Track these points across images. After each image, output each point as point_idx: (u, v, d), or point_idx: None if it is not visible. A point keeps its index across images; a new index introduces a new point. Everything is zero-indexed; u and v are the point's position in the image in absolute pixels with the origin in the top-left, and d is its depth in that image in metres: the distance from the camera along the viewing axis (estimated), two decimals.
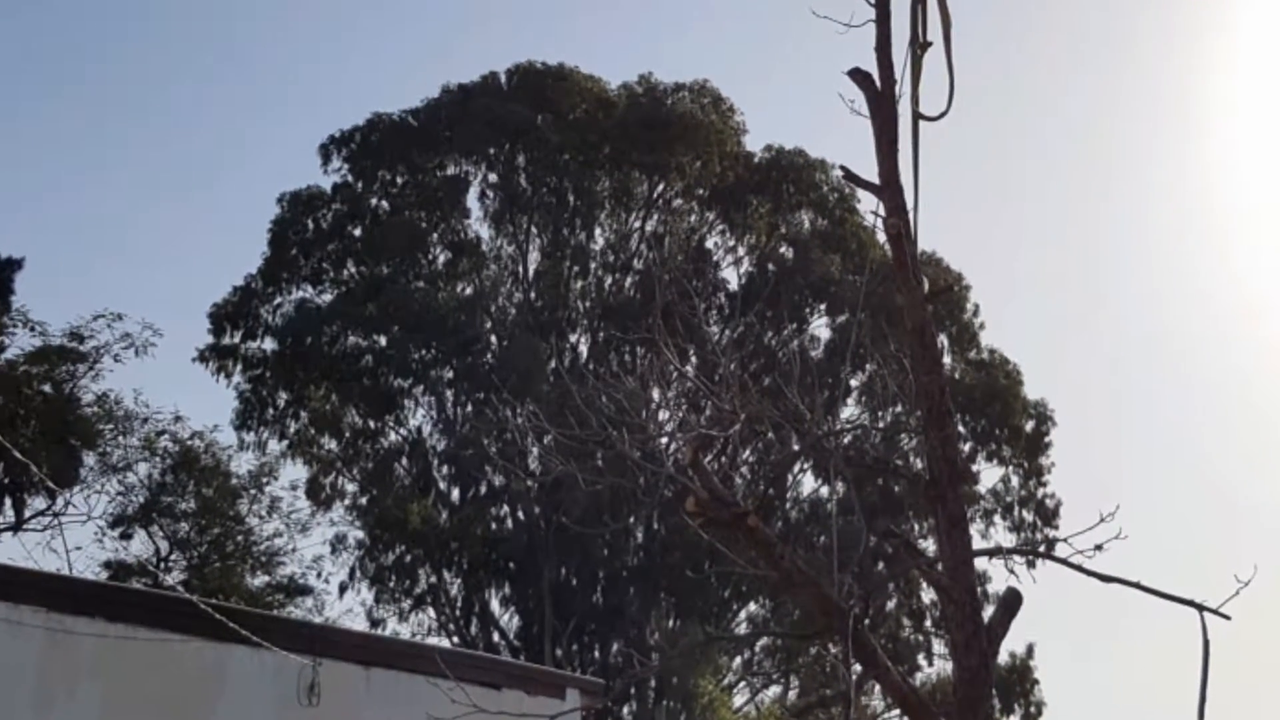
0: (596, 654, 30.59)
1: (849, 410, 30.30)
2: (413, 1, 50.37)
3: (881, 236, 6.98)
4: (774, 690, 32.19)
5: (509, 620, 31.55)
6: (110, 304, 39.78)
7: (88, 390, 25.70)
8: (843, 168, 6.98)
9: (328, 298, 32.16)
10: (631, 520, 29.89)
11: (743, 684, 31.67)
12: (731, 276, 33.33)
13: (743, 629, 30.98)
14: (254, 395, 31.23)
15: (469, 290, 32.55)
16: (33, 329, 24.98)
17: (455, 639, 30.68)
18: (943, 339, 30.18)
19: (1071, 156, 50.94)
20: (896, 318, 6.70)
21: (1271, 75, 52.79)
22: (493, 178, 33.04)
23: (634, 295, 31.87)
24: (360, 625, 29.04)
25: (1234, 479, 46.21)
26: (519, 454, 24.50)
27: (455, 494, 31.76)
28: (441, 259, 32.83)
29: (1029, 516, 32.41)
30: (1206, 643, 5.89)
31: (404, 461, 31.88)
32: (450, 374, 31.70)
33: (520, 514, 31.22)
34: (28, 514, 24.81)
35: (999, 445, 32.35)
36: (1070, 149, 51.38)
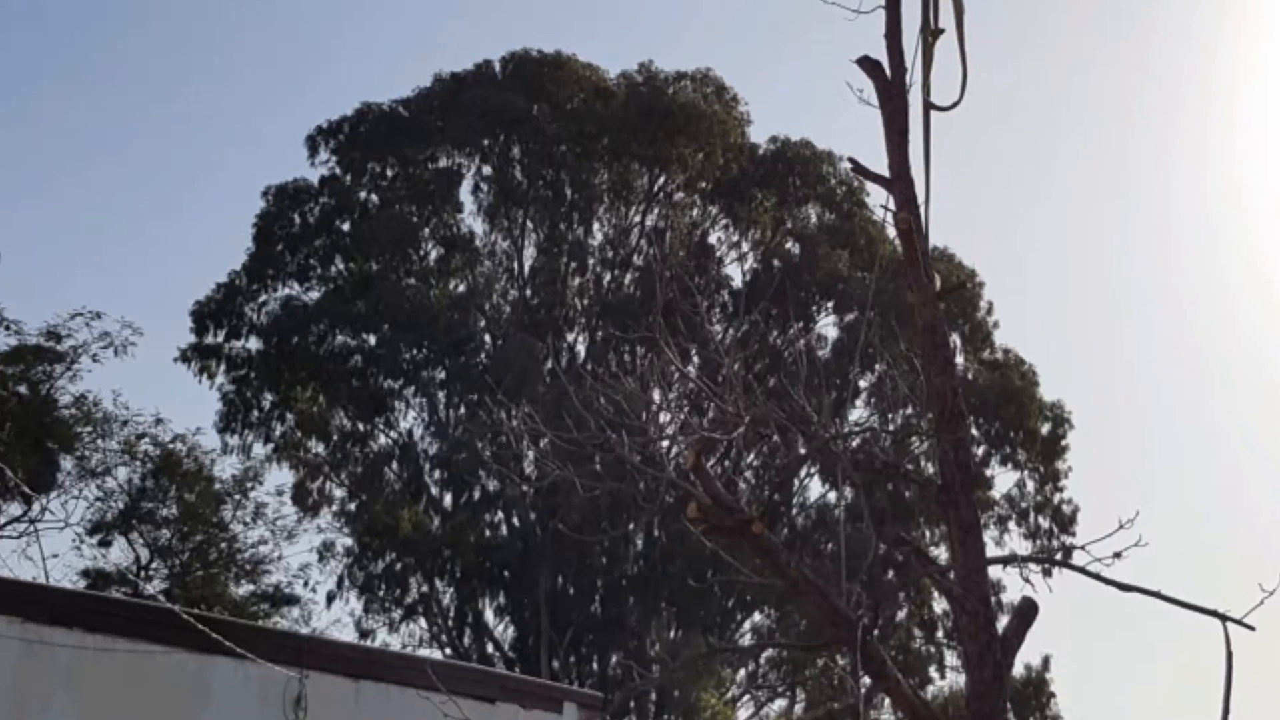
0: (595, 666, 30.45)
1: (857, 412, 30.02)
2: None
3: (891, 231, 6.82)
4: (780, 704, 31.99)
5: (503, 631, 31.45)
6: (89, 302, 39.45)
7: (65, 391, 25.45)
8: (851, 160, 6.85)
9: (315, 295, 31.99)
10: (631, 527, 29.69)
11: (747, 697, 31.48)
12: (735, 273, 33.32)
13: (747, 640, 30.91)
14: (238, 397, 31.03)
15: (462, 287, 32.38)
16: (8, 327, 24.65)
17: (448, 650, 30.54)
18: (955, 338, 30.02)
19: (1088, 148, 50.77)
20: (907, 316, 6.65)
21: None
22: (486, 170, 32.86)
23: (634, 292, 31.68)
24: (349, 636, 28.94)
25: (1258, 483, 45.95)
26: (514, 458, 24.30)
27: (448, 499, 31.62)
28: (433, 255, 32.68)
29: (1045, 523, 32.32)
30: (1230, 654, 5.77)
31: (394, 466, 31.72)
32: (442, 374, 31.53)
33: (515, 520, 31.05)
34: (2, 520, 24.60)
35: (1014, 449, 32.22)
36: (1087, 140, 51.11)
